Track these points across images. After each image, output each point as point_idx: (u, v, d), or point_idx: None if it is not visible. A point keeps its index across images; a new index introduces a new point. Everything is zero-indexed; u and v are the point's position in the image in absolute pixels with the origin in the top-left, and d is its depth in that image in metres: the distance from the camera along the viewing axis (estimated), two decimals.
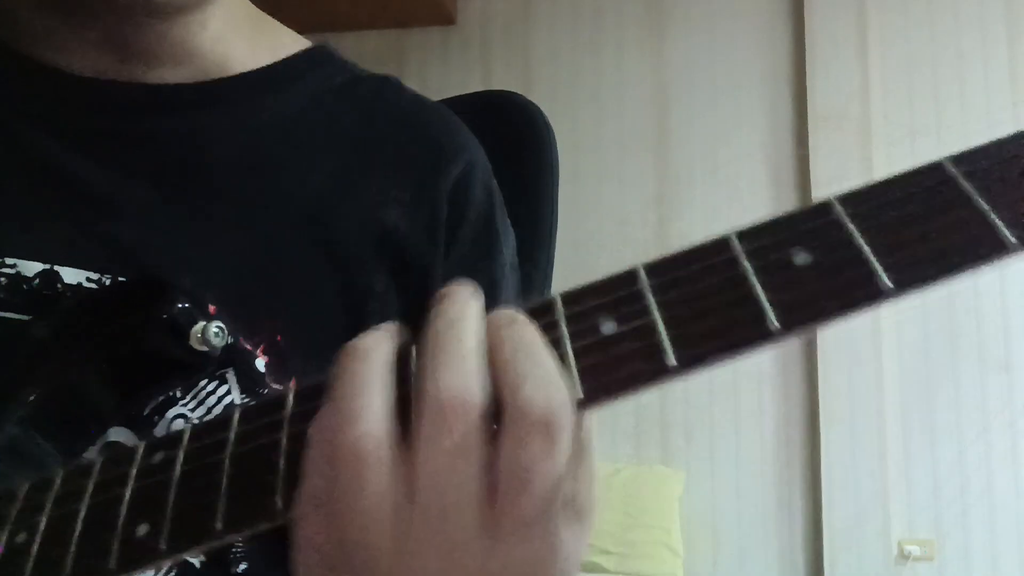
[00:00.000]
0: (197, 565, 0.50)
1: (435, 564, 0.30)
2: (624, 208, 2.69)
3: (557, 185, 0.78)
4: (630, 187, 2.71)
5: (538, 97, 0.82)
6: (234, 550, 0.51)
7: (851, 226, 0.29)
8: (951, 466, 2.38)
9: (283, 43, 0.64)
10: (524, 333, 0.32)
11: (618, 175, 2.72)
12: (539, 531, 0.31)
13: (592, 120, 2.74)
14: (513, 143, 0.76)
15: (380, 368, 0.32)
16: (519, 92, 0.82)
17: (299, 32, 0.67)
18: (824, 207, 0.30)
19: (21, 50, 0.56)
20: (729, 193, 2.62)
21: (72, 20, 0.55)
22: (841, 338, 2.44)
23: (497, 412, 0.29)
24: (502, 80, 2.78)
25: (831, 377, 2.45)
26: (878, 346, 2.43)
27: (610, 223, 2.66)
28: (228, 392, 0.49)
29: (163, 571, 0.49)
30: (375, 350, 0.32)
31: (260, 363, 0.51)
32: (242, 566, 0.52)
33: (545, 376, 0.30)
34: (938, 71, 2.53)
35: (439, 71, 2.84)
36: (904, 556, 2.35)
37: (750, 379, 2.56)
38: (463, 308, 0.33)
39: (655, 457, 2.60)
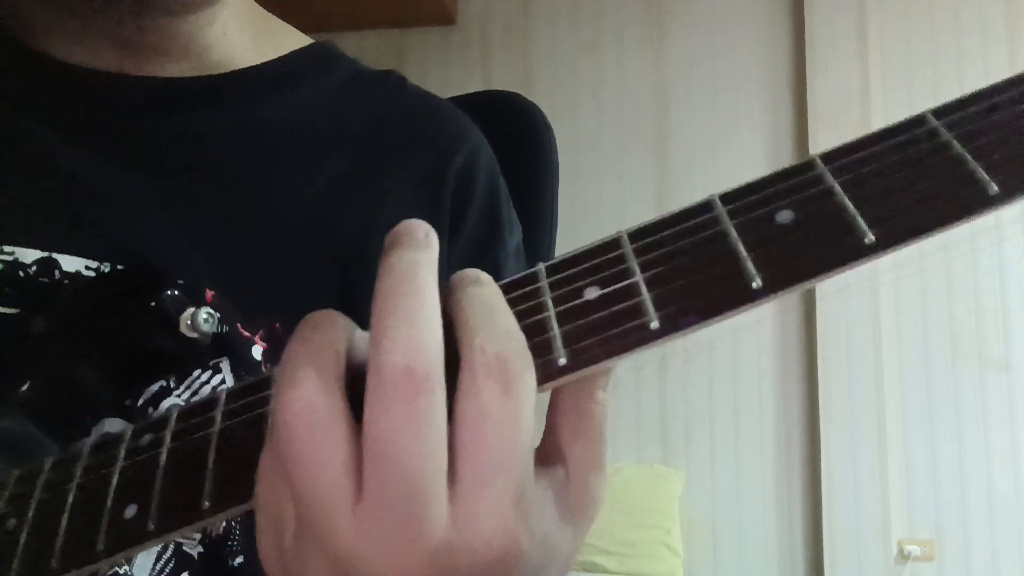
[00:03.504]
0: (195, 556, 0.50)
1: (388, 533, 0.28)
2: (624, 208, 2.69)
3: (557, 185, 0.78)
4: (630, 187, 2.71)
5: (538, 97, 0.82)
6: (230, 543, 0.51)
7: (833, 183, 0.28)
8: (951, 466, 2.38)
9: (287, 40, 0.64)
10: (484, 291, 0.31)
11: (618, 175, 2.72)
12: (504, 496, 0.28)
13: (592, 120, 2.74)
14: (513, 143, 0.76)
15: (333, 337, 0.30)
16: (519, 92, 0.82)
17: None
18: (807, 165, 0.29)
19: (26, 42, 0.56)
20: None
21: (78, 14, 0.55)
22: (841, 338, 2.44)
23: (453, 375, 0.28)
24: (502, 80, 2.78)
25: (831, 377, 2.45)
26: (878, 346, 2.43)
27: (610, 223, 2.65)
28: (223, 381, 0.49)
29: (162, 561, 0.49)
30: (333, 320, 0.30)
31: (257, 351, 0.51)
32: (239, 559, 0.52)
33: (503, 328, 0.29)
34: (938, 71, 2.53)
35: (439, 71, 2.84)
36: (904, 556, 2.35)
37: (750, 379, 2.56)
38: (411, 262, 0.30)
39: (655, 457, 2.60)
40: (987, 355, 2.40)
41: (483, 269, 0.63)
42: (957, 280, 2.40)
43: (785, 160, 2.73)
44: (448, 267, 0.58)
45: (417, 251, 0.31)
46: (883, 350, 2.43)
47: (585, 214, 2.57)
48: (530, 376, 0.28)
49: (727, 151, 2.66)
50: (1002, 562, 2.33)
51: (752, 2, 2.73)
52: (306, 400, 0.28)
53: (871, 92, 2.55)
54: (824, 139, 2.55)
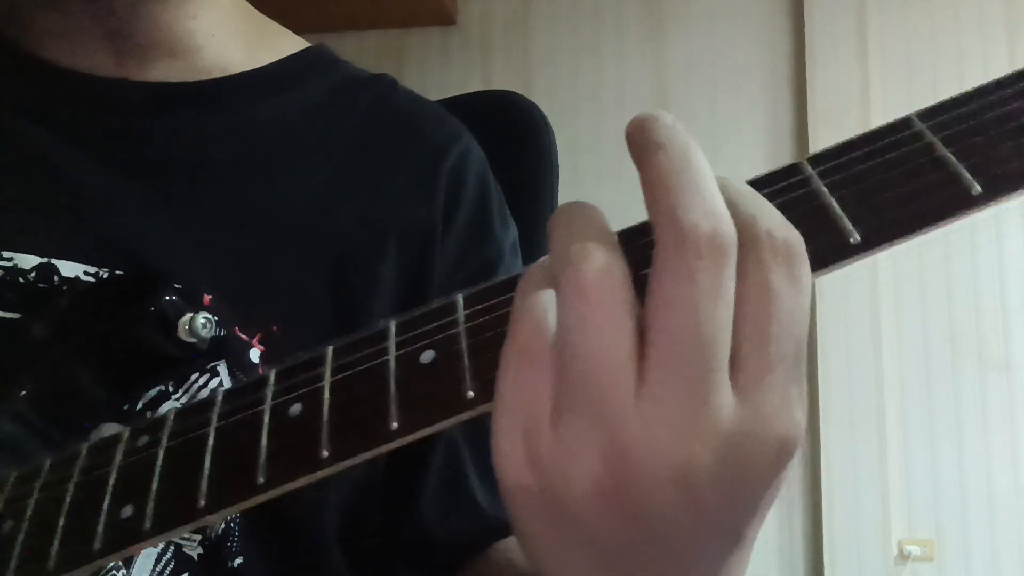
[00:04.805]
0: (195, 558, 0.51)
1: (676, 418, 0.26)
2: (624, 208, 2.68)
3: (557, 185, 0.79)
4: (630, 187, 2.69)
5: (538, 97, 0.83)
6: (230, 544, 0.52)
7: (819, 183, 0.29)
8: (951, 466, 2.38)
9: (281, 44, 0.64)
10: (746, 187, 0.30)
11: (618, 175, 2.72)
12: (788, 382, 0.27)
13: (592, 120, 2.74)
14: (513, 143, 0.76)
15: (600, 217, 0.30)
16: (519, 92, 0.83)
17: (299, 32, 0.68)
18: (793, 167, 0.30)
19: (22, 47, 0.57)
20: None
21: (69, 14, 0.55)
22: (841, 338, 2.44)
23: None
24: (502, 80, 2.78)
25: (831, 377, 2.45)
26: (878, 346, 2.43)
27: (610, 223, 2.66)
28: (220, 384, 0.49)
29: (161, 563, 0.49)
30: (590, 207, 0.30)
31: (254, 354, 0.51)
32: (238, 560, 0.52)
33: (775, 213, 0.28)
34: (938, 71, 2.53)
35: (439, 71, 2.84)
36: (904, 556, 2.35)
37: None
38: (684, 143, 0.31)
39: None
40: (987, 355, 2.40)
41: (476, 265, 0.64)
42: (957, 280, 2.40)
43: (785, 160, 2.72)
44: (440, 263, 0.59)
45: (683, 133, 0.32)
46: (883, 350, 2.43)
47: None
48: (807, 263, 0.28)
49: (727, 151, 2.66)
50: (1002, 562, 2.33)
51: (752, 2, 2.72)
52: (604, 267, 0.28)
53: (871, 92, 2.55)
54: (824, 139, 2.54)
